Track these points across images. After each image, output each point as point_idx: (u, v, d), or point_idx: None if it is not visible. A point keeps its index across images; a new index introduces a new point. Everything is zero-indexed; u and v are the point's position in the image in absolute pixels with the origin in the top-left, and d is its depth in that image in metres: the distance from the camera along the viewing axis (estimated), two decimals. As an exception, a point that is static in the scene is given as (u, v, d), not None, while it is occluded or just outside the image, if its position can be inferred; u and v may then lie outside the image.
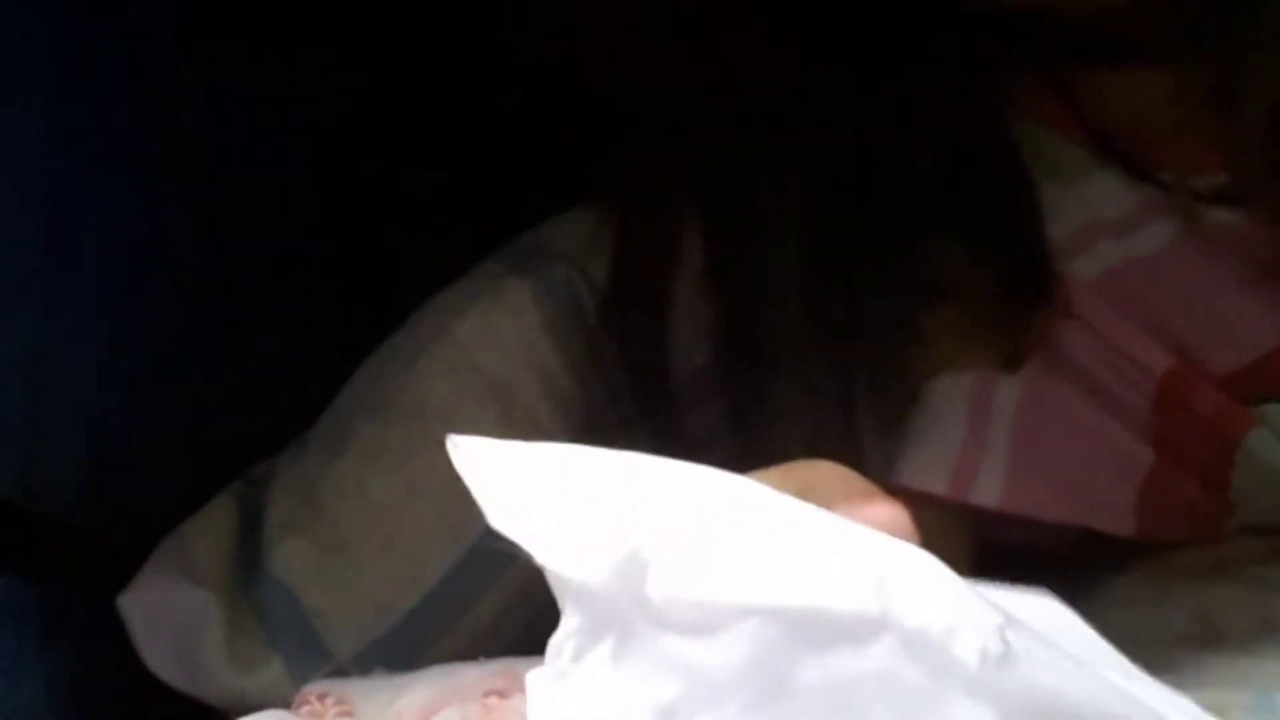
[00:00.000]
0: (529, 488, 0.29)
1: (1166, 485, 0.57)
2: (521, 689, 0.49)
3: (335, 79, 0.68)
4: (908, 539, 0.32)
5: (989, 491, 0.55)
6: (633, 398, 0.61)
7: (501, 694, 0.49)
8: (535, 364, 0.60)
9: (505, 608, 0.60)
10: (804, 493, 0.32)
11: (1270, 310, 0.56)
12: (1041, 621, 0.31)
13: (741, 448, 0.61)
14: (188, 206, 0.66)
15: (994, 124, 0.57)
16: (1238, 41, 0.54)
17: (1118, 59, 0.56)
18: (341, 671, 0.59)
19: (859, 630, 0.28)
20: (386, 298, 0.64)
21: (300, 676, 0.58)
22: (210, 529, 0.63)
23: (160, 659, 0.60)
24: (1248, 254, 0.56)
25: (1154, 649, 0.52)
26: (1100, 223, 0.56)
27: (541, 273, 0.62)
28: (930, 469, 0.55)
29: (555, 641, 0.29)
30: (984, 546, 0.55)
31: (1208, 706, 0.34)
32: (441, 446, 0.61)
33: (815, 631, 0.28)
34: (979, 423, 0.56)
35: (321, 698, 0.53)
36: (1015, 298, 0.56)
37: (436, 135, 0.69)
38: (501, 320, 0.61)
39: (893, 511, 0.33)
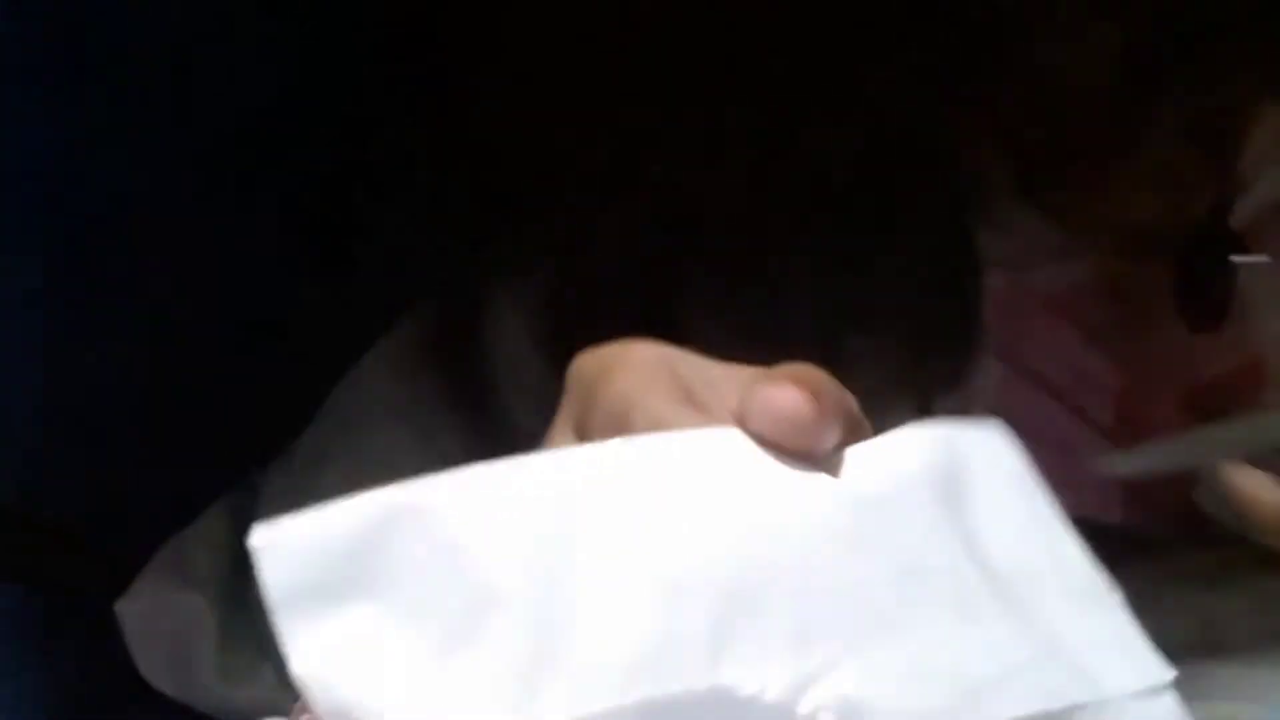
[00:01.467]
0: (330, 620, 0.29)
1: (1148, 483, 0.56)
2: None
3: (328, 84, 0.68)
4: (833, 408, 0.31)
5: None
6: None
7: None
8: (520, 368, 0.60)
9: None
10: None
11: (1213, 335, 0.56)
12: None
13: None
14: (187, 214, 0.65)
15: (927, 143, 0.57)
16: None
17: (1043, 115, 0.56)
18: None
19: (693, 707, 0.27)
20: (376, 304, 0.64)
21: (291, 686, 0.57)
22: (207, 536, 0.63)
23: (153, 665, 0.60)
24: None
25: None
26: (1045, 245, 0.56)
27: (524, 280, 0.62)
28: None
29: None
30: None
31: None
32: (427, 449, 0.61)
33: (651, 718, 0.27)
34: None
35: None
36: (941, 341, 0.55)
37: (430, 141, 0.69)
38: (487, 326, 0.61)
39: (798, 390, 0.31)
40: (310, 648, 0.29)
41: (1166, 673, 0.31)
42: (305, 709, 0.52)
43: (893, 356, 0.55)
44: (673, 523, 0.29)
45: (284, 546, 0.30)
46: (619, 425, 0.32)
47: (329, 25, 0.67)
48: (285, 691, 0.58)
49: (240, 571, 0.62)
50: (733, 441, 0.31)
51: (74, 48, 0.60)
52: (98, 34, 0.61)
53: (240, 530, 0.63)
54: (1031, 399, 0.56)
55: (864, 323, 0.55)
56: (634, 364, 0.34)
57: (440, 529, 0.30)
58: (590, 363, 0.35)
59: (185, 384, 0.66)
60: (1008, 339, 0.56)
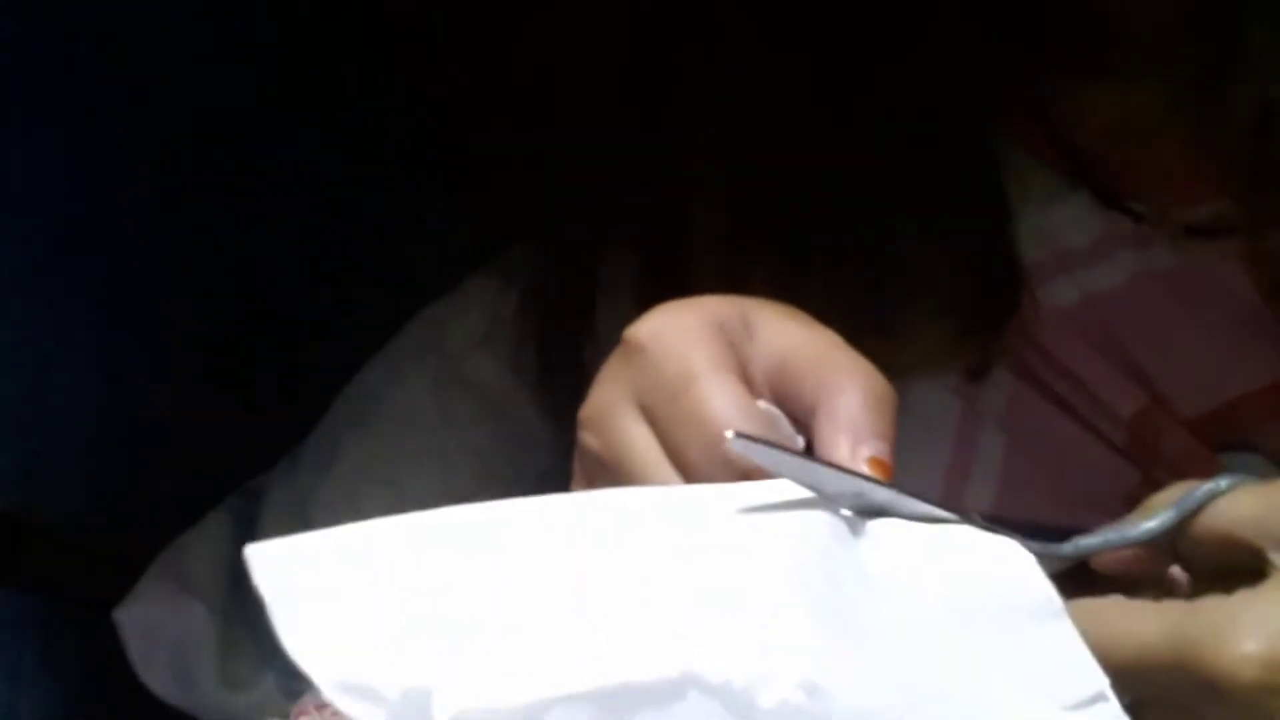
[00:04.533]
0: (321, 609, 0.31)
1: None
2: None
3: (335, 93, 0.68)
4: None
5: (983, 495, 0.55)
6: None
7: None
8: (524, 373, 0.60)
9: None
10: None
11: (1237, 355, 0.55)
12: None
13: None
14: (188, 218, 0.65)
15: (971, 127, 0.56)
16: (1225, 42, 0.53)
17: (1106, 70, 0.55)
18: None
19: (663, 694, 0.29)
20: (380, 310, 0.64)
21: (292, 693, 0.57)
22: (206, 542, 0.63)
23: (154, 673, 0.60)
24: (1220, 294, 0.55)
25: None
26: (1069, 250, 0.56)
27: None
28: (921, 473, 0.54)
29: None
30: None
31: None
32: (431, 457, 0.61)
33: (620, 705, 0.29)
34: (969, 426, 0.55)
35: (320, 708, 0.52)
36: (983, 304, 0.55)
37: (432, 148, 0.69)
38: (491, 331, 0.61)
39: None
40: (303, 631, 0.30)
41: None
42: (304, 712, 0.52)
43: (939, 328, 0.55)
44: (641, 542, 0.33)
45: (275, 552, 0.32)
46: (675, 399, 0.37)
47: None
48: (287, 697, 0.58)
49: (240, 576, 0.61)
50: (721, 495, 0.35)
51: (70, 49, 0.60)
52: (90, 32, 0.61)
53: (240, 535, 0.63)
54: (1042, 414, 0.56)
55: (911, 295, 0.55)
56: (687, 333, 0.37)
57: (417, 546, 0.33)
58: (647, 328, 0.38)
59: (185, 387, 0.66)
60: (1019, 352, 0.56)
